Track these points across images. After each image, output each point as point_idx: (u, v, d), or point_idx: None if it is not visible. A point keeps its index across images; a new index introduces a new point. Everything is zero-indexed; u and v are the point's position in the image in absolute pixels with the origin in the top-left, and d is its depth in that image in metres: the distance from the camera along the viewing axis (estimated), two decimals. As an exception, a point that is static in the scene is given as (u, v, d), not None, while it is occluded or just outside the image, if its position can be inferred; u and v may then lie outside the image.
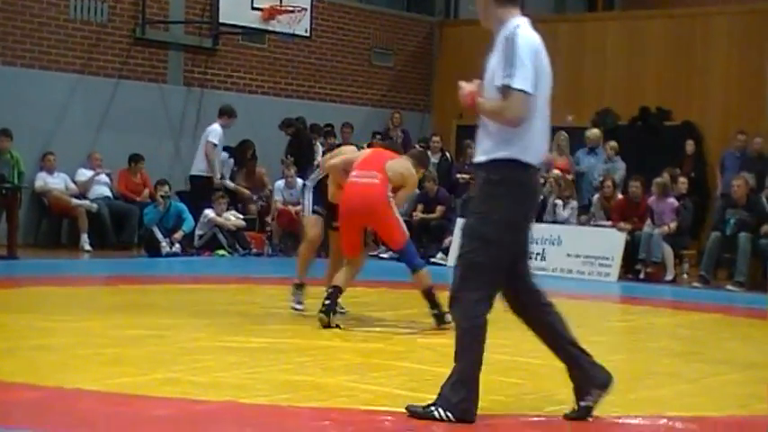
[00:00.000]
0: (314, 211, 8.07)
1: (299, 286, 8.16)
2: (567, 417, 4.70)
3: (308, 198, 8.13)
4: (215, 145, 13.71)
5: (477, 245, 4.49)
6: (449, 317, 7.40)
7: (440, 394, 4.57)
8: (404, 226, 7.74)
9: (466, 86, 4.58)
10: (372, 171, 7.55)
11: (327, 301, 7.41)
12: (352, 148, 8.41)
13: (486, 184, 4.52)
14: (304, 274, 8.16)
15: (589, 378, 4.67)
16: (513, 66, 4.38)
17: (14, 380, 5.13)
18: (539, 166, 4.61)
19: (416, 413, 4.56)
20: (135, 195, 14.16)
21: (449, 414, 4.49)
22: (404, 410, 4.68)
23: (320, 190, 8.05)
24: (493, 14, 4.58)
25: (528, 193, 4.55)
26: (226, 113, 14.02)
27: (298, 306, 8.10)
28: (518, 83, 4.37)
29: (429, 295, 7.63)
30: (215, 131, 13.76)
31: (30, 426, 4.31)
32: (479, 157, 4.55)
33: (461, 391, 4.52)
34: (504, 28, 4.52)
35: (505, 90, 4.39)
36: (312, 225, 8.09)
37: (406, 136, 16.42)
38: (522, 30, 4.49)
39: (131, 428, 4.39)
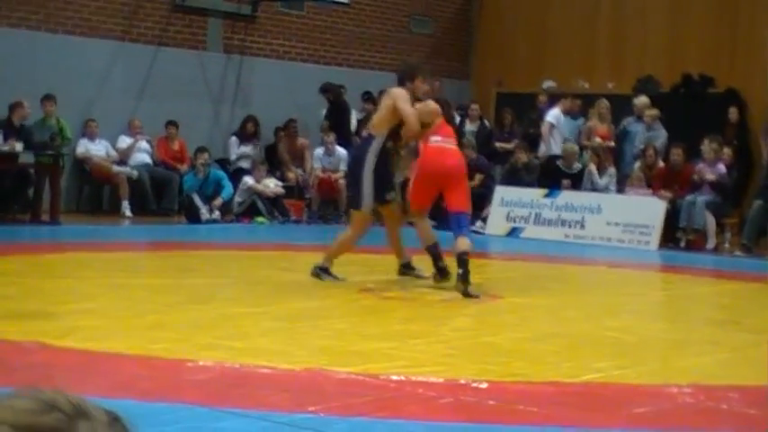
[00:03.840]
0: (386, 201, 7.94)
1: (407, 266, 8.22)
2: None
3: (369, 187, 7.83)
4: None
5: None
6: (467, 289, 7.48)
7: None
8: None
9: None
10: (451, 138, 8.02)
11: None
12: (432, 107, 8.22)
13: None
14: (401, 253, 8.22)
15: None
16: None
17: (57, 343, 5.20)
18: None
19: None
20: (175, 162, 14.24)
21: None
22: (443, 377, 4.68)
23: (380, 174, 7.84)
24: None
25: None
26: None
27: (422, 274, 8.13)
28: None
29: (460, 260, 7.53)
30: None
31: (72, 388, 4.36)
32: None
33: None
34: None
35: None
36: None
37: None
38: None
39: (172, 392, 4.44)
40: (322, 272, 7.90)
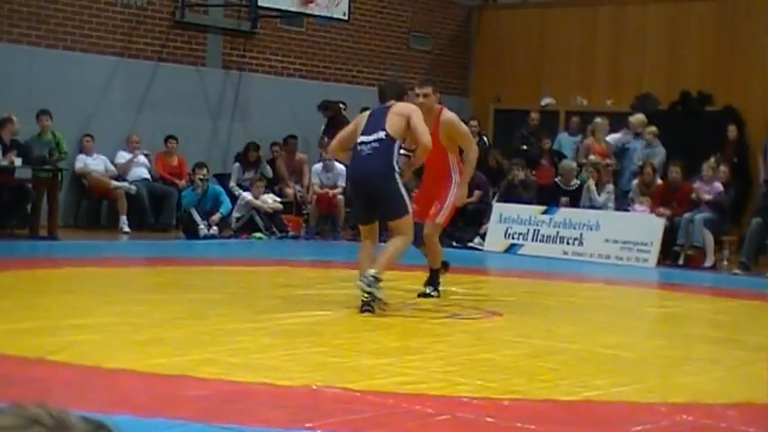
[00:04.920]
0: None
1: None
2: None
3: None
4: None
5: None
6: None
7: None
8: None
9: None
10: None
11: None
12: None
13: None
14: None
15: None
16: None
17: (54, 358, 5.19)
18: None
19: None
20: (174, 177, 14.24)
21: None
22: (441, 393, 4.67)
23: None
24: None
25: None
26: None
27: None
28: None
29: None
30: None
31: (69, 404, 4.35)
32: None
33: None
34: None
35: None
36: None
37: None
38: None
39: (169, 408, 4.43)
40: (376, 284, 7.18)
